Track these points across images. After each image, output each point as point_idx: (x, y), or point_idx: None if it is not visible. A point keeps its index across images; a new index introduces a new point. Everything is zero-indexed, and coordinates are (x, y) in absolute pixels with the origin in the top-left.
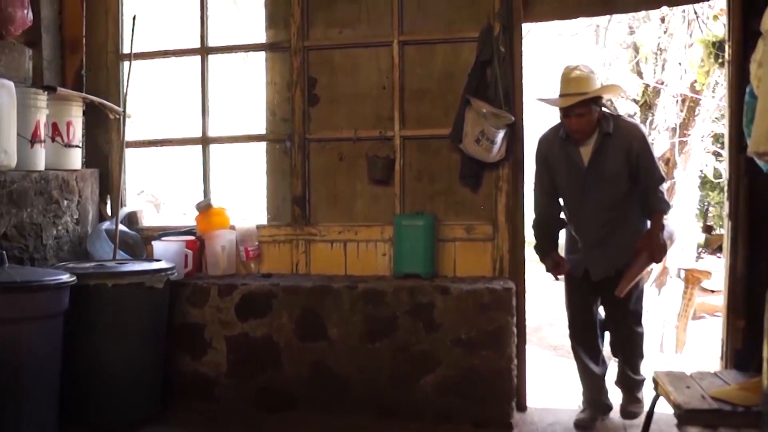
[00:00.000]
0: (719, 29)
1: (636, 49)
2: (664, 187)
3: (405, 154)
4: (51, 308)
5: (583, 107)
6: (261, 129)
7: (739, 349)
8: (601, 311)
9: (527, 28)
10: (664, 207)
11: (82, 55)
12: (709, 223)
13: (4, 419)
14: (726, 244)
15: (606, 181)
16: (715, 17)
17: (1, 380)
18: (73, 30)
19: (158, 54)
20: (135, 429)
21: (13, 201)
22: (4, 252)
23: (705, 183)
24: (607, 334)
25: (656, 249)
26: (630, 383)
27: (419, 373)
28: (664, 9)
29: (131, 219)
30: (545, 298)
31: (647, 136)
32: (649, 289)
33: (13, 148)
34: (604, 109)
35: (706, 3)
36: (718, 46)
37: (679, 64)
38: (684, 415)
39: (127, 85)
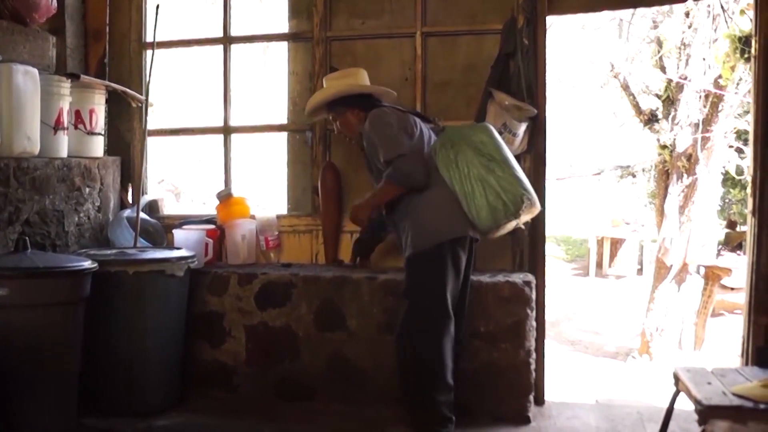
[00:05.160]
0: (746, 24)
1: (659, 44)
2: (400, 163)
3: None
4: (73, 294)
5: (330, 112)
6: (282, 119)
7: (762, 346)
8: None
9: (550, 21)
10: (390, 177)
11: (105, 44)
12: (732, 219)
13: (25, 405)
14: (749, 241)
15: (379, 172)
16: (742, 12)
17: (23, 365)
18: (96, 18)
19: (181, 43)
20: (154, 416)
21: (36, 187)
22: (27, 238)
23: (726, 180)
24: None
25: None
26: None
27: None
28: (689, 3)
29: (152, 207)
30: (563, 293)
31: (378, 118)
32: (668, 286)
33: (36, 135)
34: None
35: None
36: (744, 41)
37: (703, 59)
38: (705, 411)
39: (150, 74)
